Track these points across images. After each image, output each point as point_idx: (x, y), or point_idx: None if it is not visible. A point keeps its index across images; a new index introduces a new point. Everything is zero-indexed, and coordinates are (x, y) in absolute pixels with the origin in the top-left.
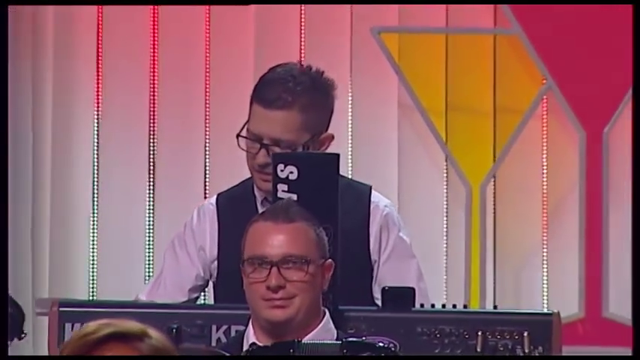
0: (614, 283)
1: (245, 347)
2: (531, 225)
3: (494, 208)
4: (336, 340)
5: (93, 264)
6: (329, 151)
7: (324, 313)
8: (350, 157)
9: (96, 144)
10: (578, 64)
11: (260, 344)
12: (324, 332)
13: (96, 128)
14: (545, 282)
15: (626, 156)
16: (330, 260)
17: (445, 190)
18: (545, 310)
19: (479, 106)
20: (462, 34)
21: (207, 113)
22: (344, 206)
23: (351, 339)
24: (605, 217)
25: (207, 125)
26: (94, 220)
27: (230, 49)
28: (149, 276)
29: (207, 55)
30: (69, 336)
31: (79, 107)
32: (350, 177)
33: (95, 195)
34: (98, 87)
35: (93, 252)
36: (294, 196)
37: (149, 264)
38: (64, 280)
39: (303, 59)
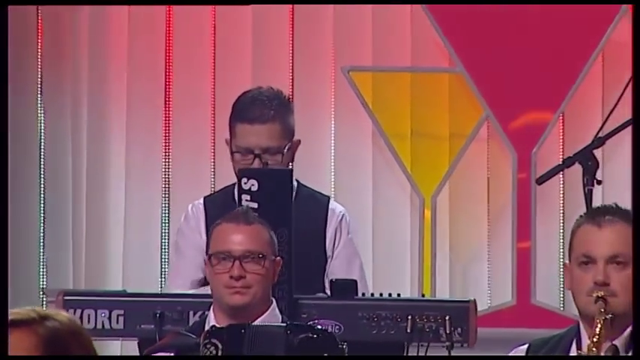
0: (540, 277)
1: (207, 328)
2: (478, 228)
3: (449, 215)
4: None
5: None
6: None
7: (272, 302)
8: (332, 173)
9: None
10: (510, 97)
11: (218, 326)
12: (271, 317)
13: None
14: (488, 275)
15: None
16: (279, 258)
17: (409, 201)
18: (463, 298)
19: (436, 131)
20: (422, 73)
21: (213, 114)
22: (306, 212)
23: (294, 322)
24: (533, 223)
25: (213, 134)
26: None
27: (230, 48)
28: (162, 269)
29: (213, 54)
30: None
31: (110, 118)
32: (332, 190)
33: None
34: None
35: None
36: (255, 205)
37: (164, 259)
38: (96, 273)
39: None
